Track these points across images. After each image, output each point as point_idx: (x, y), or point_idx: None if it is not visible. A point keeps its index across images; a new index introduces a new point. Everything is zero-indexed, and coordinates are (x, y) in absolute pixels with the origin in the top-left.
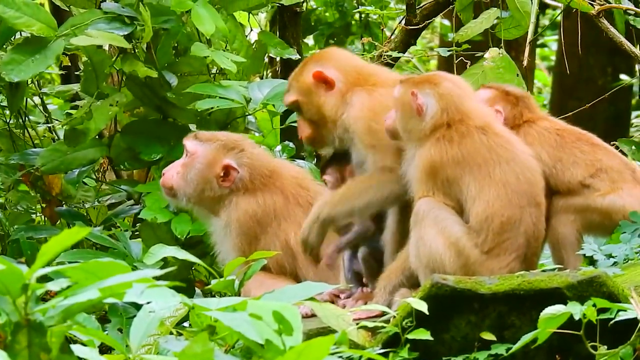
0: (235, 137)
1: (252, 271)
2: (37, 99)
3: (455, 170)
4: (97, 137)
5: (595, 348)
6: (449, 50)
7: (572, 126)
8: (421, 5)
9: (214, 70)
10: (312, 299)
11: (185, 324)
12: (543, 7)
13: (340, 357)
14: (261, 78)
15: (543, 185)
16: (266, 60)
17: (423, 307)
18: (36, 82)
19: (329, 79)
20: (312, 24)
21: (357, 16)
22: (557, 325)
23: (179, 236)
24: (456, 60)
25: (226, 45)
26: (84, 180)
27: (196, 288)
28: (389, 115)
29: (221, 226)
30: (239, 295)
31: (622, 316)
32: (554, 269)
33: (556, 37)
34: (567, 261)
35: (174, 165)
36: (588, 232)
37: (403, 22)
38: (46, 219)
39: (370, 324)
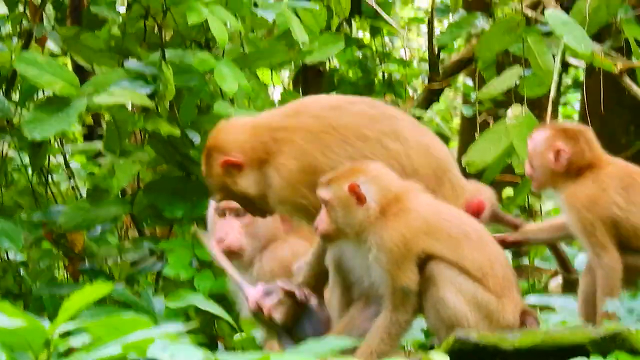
0: None
1: None
2: (59, 157)
3: (426, 241)
4: (119, 194)
5: None
6: (472, 108)
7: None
8: (444, 63)
9: None
10: (335, 353)
11: None
12: (565, 66)
13: None
14: None
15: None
16: None
17: None
18: (59, 140)
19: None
20: (335, 83)
21: (380, 75)
22: None
23: (201, 293)
24: (479, 118)
25: (249, 104)
26: (106, 237)
27: (219, 343)
28: (318, 221)
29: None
30: None
31: None
32: (576, 325)
33: (578, 95)
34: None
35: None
36: (626, 288)
37: (426, 80)
38: (69, 276)
39: None
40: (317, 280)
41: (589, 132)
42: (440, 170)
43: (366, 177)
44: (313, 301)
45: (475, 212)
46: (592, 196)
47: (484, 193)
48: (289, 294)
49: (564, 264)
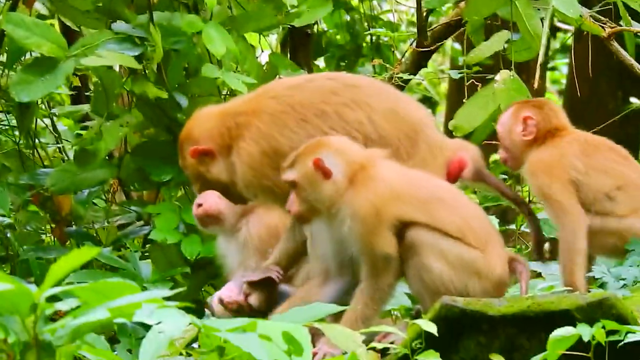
0: None
1: None
2: (47, 120)
3: (396, 206)
4: (107, 158)
5: None
6: (459, 73)
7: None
8: (432, 27)
9: (224, 92)
10: (322, 319)
11: (195, 345)
12: (554, 31)
13: None
14: None
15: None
16: None
17: (432, 328)
18: (46, 103)
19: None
20: (323, 46)
21: (368, 39)
22: (566, 347)
23: (188, 257)
24: (467, 82)
25: (237, 67)
26: (93, 201)
27: (206, 309)
28: (289, 204)
29: None
30: None
31: (631, 338)
32: (563, 291)
33: (566, 60)
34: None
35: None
36: (601, 254)
37: (414, 44)
38: (55, 239)
39: (379, 345)
40: (289, 259)
41: (552, 103)
42: (413, 132)
43: (329, 151)
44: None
45: (457, 169)
46: (550, 161)
47: (467, 151)
48: (262, 281)
49: (538, 247)
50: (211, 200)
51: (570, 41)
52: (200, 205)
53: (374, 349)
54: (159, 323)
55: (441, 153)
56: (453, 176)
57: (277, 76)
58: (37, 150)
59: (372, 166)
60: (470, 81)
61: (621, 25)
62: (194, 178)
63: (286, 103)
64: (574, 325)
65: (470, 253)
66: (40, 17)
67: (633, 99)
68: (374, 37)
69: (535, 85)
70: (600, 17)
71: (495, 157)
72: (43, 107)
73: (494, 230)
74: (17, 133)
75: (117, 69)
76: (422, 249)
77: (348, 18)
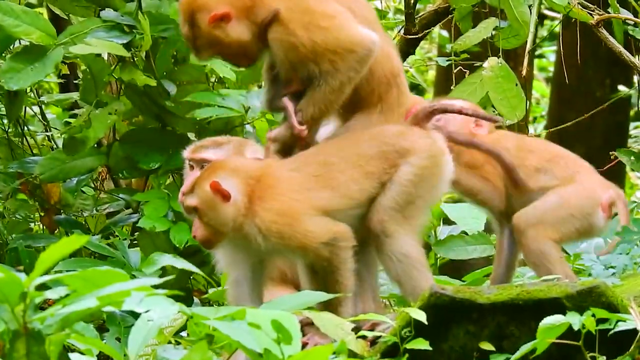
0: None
1: None
2: (35, 108)
3: (308, 198)
4: (95, 145)
5: (594, 358)
6: (447, 60)
7: None
8: (420, 15)
9: (212, 79)
10: (311, 308)
11: (184, 333)
12: (542, 18)
13: None
14: (260, 87)
15: None
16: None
17: (422, 316)
18: (35, 91)
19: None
20: None
21: None
22: (556, 336)
23: (177, 245)
24: (455, 69)
25: None
26: (82, 188)
27: (194, 297)
28: (194, 230)
29: None
30: None
31: (621, 327)
32: (552, 279)
33: (554, 48)
34: (556, 272)
35: None
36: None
37: (402, 31)
38: (44, 227)
39: (369, 334)
40: None
41: None
42: (391, 75)
43: (225, 172)
44: None
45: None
46: None
47: (421, 103)
48: None
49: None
50: None
51: (558, 28)
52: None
53: (363, 337)
54: (147, 311)
55: (405, 102)
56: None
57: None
58: (26, 138)
59: (268, 175)
60: (458, 68)
61: (609, 13)
62: (208, 46)
63: None
64: (564, 314)
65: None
66: (29, 5)
67: (621, 87)
68: None
69: (524, 72)
70: (588, 4)
71: None
72: (32, 95)
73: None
74: (5, 121)
75: (105, 56)
76: (387, 232)
77: None
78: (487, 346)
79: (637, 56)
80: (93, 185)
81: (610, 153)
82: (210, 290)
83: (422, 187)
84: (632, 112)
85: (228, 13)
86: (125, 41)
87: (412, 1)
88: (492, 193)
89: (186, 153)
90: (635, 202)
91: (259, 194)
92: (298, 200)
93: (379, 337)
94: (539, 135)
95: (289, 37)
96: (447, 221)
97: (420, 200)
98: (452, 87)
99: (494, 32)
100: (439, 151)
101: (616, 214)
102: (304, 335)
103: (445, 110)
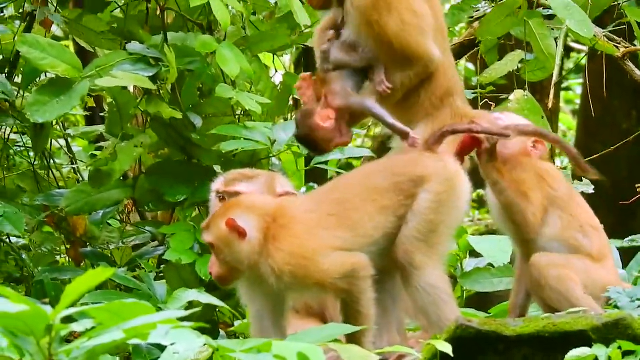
0: None
1: None
2: (61, 141)
3: (323, 237)
4: (121, 178)
5: None
6: (473, 93)
7: None
8: None
9: (238, 112)
10: (336, 340)
11: None
12: (568, 51)
13: None
14: (286, 120)
15: None
16: (291, 102)
17: (448, 349)
18: (61, 124)
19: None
20: None
21: None
22: None
23: (203, 277)
24: (481, 102)
25: (251, 87)
26: (108, 221)
27: (220, 330)
28: (210, 266)
29: None
30: None
31: None
32: (578, 311)
33: (580, 80)
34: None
35: None
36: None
37: None
38: (70, 260)
39: None
40: None
41: None
42: (445, 95)
43: (241, 210)
44: None
45: (469, 140)
46: None
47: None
48: None
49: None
50: None
51: (584, 61)
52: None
53: None
54: (173, 344)
55: (460, 121)
56: (470, 144)
57: (291, 96)
58: (52, 171)
59: (284, 215)
60: (484, 101)
61: (635, 45)
62: None
63: None
64: (590, 346)
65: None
66: (55, 38)
67: None
68: None
69: (550, 105)
70: (614, 36)
71: None
72: (58, 128)
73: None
74: (32, 154)
75: (131, 89)
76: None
77: None
78: None
79: None
80: (119, 218)
81: (637, 185)
82: (236, 323)
83: (442, 212)
84: None
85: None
86: (151, 74)
87: None
88: (529, 209)
89: (218, 186)
90: None
91: (273, 233)
92: (312, 241)
93: None
94: (565, 168)
95: (371, 11)
96: (474, 253)
97: (443, 226)
98: None
99: (520, 65)
100: (454, 173)
101: None
102: None
103: (455, 132)
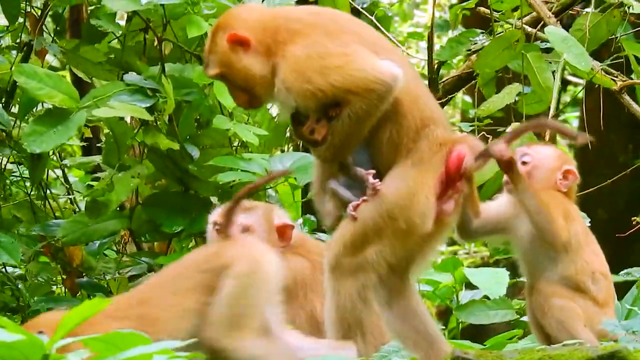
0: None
1: None
2: (58, 171)
3: None
4: (118, 209)
5: None
6: (470, 125)
7: None
8: (443, 80)
9: (235, 143)
10: None
11: None
12: (565, 84)
13: None
14: (283, 151)
15: None
16: (288, 133)
17: None
18: (57, 154)
19: (244, 38)
20: None
21: None
22: None
23: None
24: (478, 135)
25: (248, 118)
26: (104, 252)
27: None
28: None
29: None
30: None
31: None
32: (574, 343)
33: (577, 113)
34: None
35: None
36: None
37: None
38: (67, 290)
39: None
40: None
41: None
42: (421, 125)
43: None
44: None
45: (456, 162)
46: None
47: (465, 141)
48: None
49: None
50: None
51: (581, 94)
52: None
53: None
54: None
55: (439, 149)
56: (455, 169)
57: (288, 128)
58: (49, 201)
59: None
60: (481, 134)
61: (632, 79)
62: (218, 63)
63: (347, 28)
64: None
65: None
66: (52, 68)
67: None
68: None
69: (547, 138)
70: (611, 70)
71: None
72: (54, 158)
73: None
74: (28, 184)
75: (128, 120)
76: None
77: None
78: None
79: None
80: (115, 249)
81: (633, 218)
82: None
83: (248, 295)
84: None
85: (248, 40)
86: (148, 105)
87: (435, 66)
88: (558, 221)
89: (216, 217)
90: None
91: None
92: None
93: None
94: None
95: (306, 85)
96: (470, 285)
97: (251, 308)
98: None
99: (517, 98)
100: (259, 255)
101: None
102: None
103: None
